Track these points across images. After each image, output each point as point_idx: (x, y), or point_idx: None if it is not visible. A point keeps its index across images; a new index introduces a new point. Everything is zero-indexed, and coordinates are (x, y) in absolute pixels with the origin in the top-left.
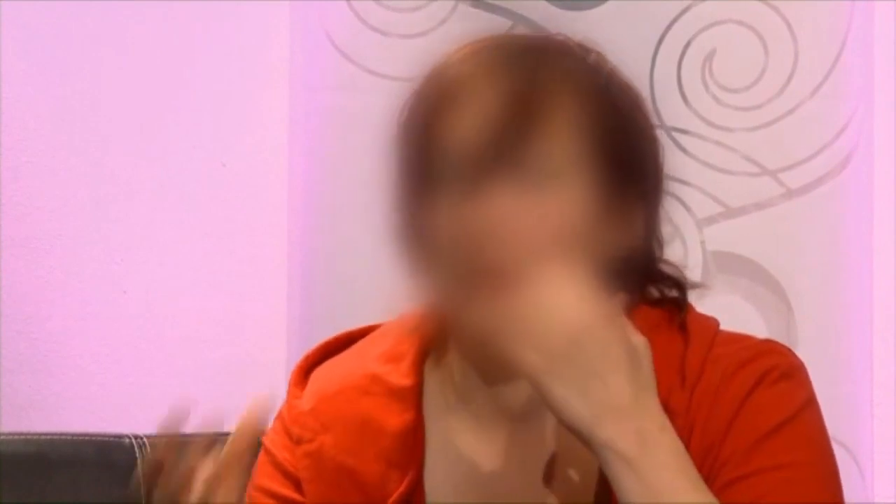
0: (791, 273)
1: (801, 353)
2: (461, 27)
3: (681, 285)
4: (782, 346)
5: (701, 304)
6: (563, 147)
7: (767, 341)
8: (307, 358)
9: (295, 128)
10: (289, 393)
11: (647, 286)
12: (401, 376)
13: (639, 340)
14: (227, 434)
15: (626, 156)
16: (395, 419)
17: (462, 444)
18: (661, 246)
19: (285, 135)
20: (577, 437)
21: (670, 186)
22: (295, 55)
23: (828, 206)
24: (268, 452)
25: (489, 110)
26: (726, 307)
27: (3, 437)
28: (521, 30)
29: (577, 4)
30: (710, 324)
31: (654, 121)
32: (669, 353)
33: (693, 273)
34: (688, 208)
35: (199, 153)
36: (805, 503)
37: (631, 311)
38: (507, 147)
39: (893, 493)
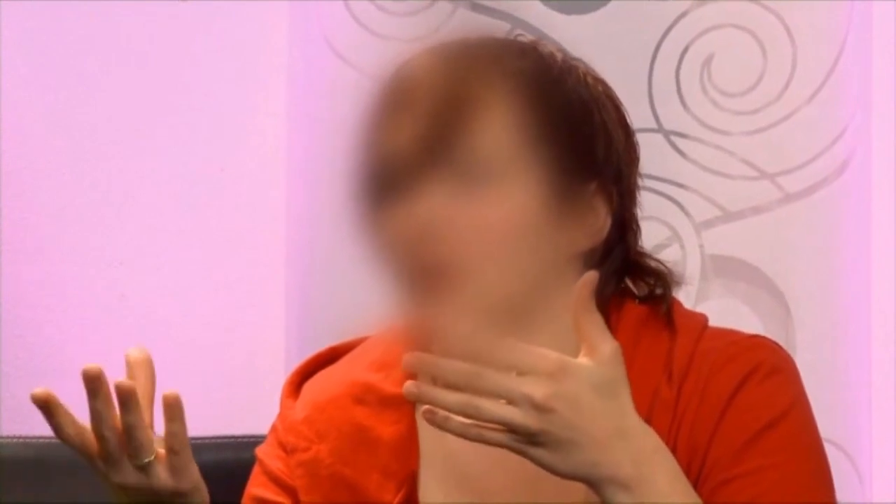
0: (789, 277)
1: (799, 357)
2: (460, 31)
3: (663, 278)
4: (771, 341)
5: (699, 307)
6: (499, 143)
7: (755, 336)
8: (298, 371)
9: (293, 133)
10: (281, 405)
11: (629, 279)
12: (392, 384)
13: (604, 353)
14: (230, 437)
15: (578, 148)
16: (388, 428)
17: (455, 450)
18: (636, 237)
19: (284, 140)
20: (576, 481)
21: (641, 180)
22: (293, 59)
23: (826, 210)
24: (261, 463)
25: (422, 111)
26: (724, 311)
27: (1, 441)
28: (518, 34)
29: (576, 8)
30: (698, 319)
31: (625, 114)
32: (656, 348)
33: (691, 277)
34: (686, 212)
35: (198, 158)
36: (798, 502)
37: (616, 308)
38: (440, 146)
39: (892, 497)
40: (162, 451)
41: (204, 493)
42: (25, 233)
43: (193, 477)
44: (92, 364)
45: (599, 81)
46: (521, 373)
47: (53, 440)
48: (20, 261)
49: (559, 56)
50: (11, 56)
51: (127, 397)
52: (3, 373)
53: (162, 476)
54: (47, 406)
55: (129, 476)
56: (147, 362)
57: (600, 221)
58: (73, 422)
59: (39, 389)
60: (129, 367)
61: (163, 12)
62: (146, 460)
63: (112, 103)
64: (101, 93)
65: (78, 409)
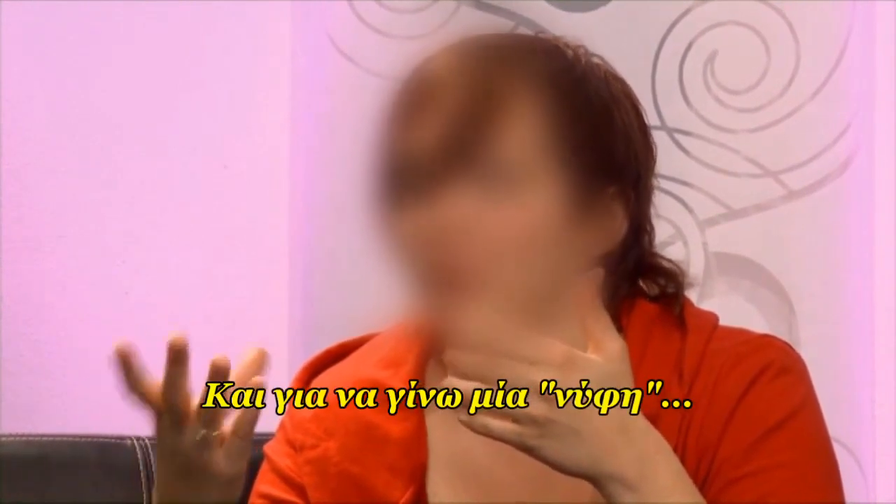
0: (792, 274)
1: (803, 354)
2: (463, 28)
3: (676, 278)
4: (780, 340)
5: (703, 305)
6: (524, 147)
7: (765, 336)
8: (307, 367)
9: (297, 130)
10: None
11: (641, 280)
12: (401, 381)
13: (610, 350)
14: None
15: (599, 153)
16: (396, 426)
17: (464, 448)
18: (650, 239)
19: (287, 137)
20: (579, 477)
21: (656, 180)
22: (296, 56)
23: (829, 207)
24: (269, 460)
25: (447, 112)
26: (728, 308)
27: (3, 439)
28: (522, 31)
29: (579, 6)
30: (709, 318)
31: (643, 114)
32: (667, 347)
33: (695, 275)
34: (690, 209)
35: (201, 155)
36: (807, 502)
37: (628, 307)
38: (464, 148)
39: (895, 493)
40: (226, 430)
41: (239, 488)
42: (27, 229)
43: (241, 467)
44: (179, 334)
45: (619, 80)
46: (531, 363)
47: (55, 438)
48: (22, 258)
49: (582, 55)
50: (11, 55)
51: (219, 376)
52: (4, 370)
53: (216, 453)
54: (125, 363)
55: (185, 443)
56: (262, 360)
57: (617, 224)
58: (145, 382)
59: (122, 343)
60: (244, 360)
61: (165, 10)
62: (208, 433)
63: (115, 100)
64: (105, 90)
65: (80, 407)
